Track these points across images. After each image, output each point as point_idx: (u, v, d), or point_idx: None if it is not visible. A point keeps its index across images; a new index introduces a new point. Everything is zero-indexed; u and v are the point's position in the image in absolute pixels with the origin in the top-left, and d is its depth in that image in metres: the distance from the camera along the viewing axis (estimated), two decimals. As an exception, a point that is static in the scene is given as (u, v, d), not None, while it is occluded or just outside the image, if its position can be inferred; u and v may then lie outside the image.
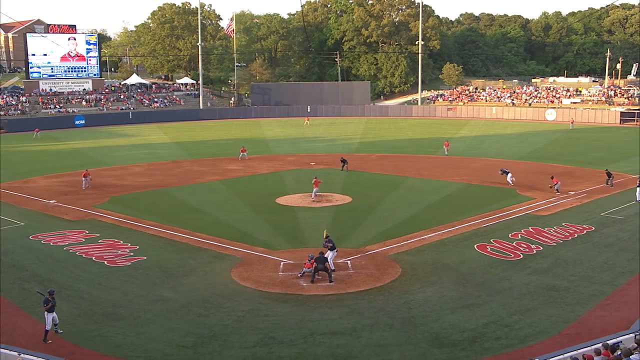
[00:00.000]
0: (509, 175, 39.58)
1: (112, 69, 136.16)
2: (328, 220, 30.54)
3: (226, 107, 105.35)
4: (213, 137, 71.99)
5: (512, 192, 37.23)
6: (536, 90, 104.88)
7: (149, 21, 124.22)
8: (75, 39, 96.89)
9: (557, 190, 36.45)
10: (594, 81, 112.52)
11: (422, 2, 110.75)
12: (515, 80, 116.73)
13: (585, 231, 28.25)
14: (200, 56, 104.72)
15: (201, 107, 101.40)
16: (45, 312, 17.26)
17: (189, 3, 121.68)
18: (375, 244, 26.29)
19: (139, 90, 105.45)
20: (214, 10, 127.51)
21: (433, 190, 38.28)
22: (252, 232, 28.45)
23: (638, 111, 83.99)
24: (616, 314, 18.68)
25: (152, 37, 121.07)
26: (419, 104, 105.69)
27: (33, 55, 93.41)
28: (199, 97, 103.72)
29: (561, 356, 14.08)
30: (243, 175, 45.19)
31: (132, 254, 25.35)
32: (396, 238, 27.22)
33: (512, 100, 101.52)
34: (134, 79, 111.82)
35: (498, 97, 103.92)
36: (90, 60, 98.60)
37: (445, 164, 49.06)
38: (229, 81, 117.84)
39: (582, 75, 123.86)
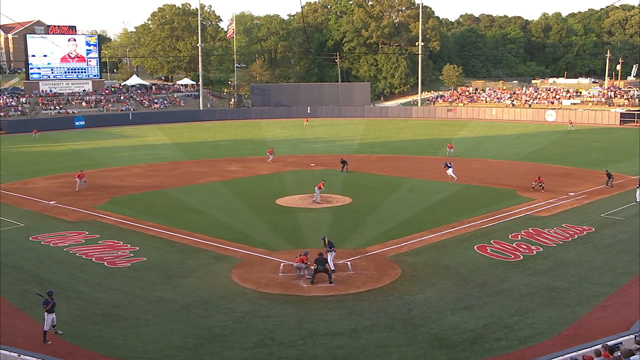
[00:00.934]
0: (450, 169, 41.37)
1: (112, 70, 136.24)
2: (328, 222, 30.56)
3: (226, 108, 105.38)
4: (213, 138, 72.01)
5: (512, 193, 37.25)
6: (536, 91, 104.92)
7: (149, 22, 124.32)
8: (75, 40, 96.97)
9: (537, 187, 37.29)
10: (593, 82, 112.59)
11: (422, 3, 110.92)
12: (515, 81, 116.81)
13: (585, 232, 28.26)
14: (200, 57, 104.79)
15: (201, 108, 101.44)
16: (45, 313, 17.26)
17: (189, 4, 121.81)
18: (375, 245, 26.30)
19: (139, 91, 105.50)
20: (213, 11, 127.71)
21: (433, 191, 38.29)
22: (252, 233, 28.46)
23: (638, 112, 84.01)
24: (616, 315, 18.68)
25: (152, 38, 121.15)
26: (419, 105, 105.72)
27: (33, 56, 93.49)
28: (199, 98, 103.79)
29: (561, 357, 14.08)
30: (243, 176, 45.21)
31: (132, 255, 25.36)
32: (396, 239, 27.23)
33: (512, 101, 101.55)
34: (134, 80, 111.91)
35: (498, 98, 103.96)
36: (90, 61, 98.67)
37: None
38: (229, 82, 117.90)
39: (582, 76, 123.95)
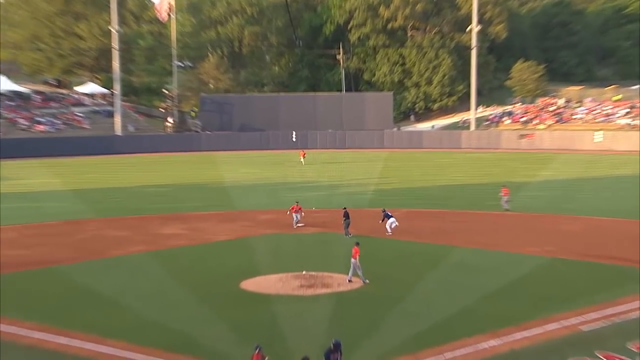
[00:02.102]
0: (391, 220, 45.13)
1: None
2: (325, 318, 30.59)
3: (160, 133, 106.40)
4: (138, 183, 72.33)
5: (633, 272, 37.28)
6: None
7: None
8: None
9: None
10: None
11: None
12: (637, 87, 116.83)
13: None
14: (116, 50, 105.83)
15: (119, 133, 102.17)
16: None
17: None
18: (403, 357, 26.34)
19: (10, 103, 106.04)
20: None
21: (496, 268, 38.47)
22: (202, 339, 28.44)
23: None
24: None
25: (32, 15, 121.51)
26: (472, 127, 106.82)
27: None
28: (115, 116, 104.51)
29: None
30: (187, 244, 45.34)
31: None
32: (436, 347, 27.26)
33: (632, 119, 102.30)
34: (2, 85, 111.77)
35: (606, 115, 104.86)
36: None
37: (516, 225, 49.36)
38: (165, 91, 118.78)
39: None
